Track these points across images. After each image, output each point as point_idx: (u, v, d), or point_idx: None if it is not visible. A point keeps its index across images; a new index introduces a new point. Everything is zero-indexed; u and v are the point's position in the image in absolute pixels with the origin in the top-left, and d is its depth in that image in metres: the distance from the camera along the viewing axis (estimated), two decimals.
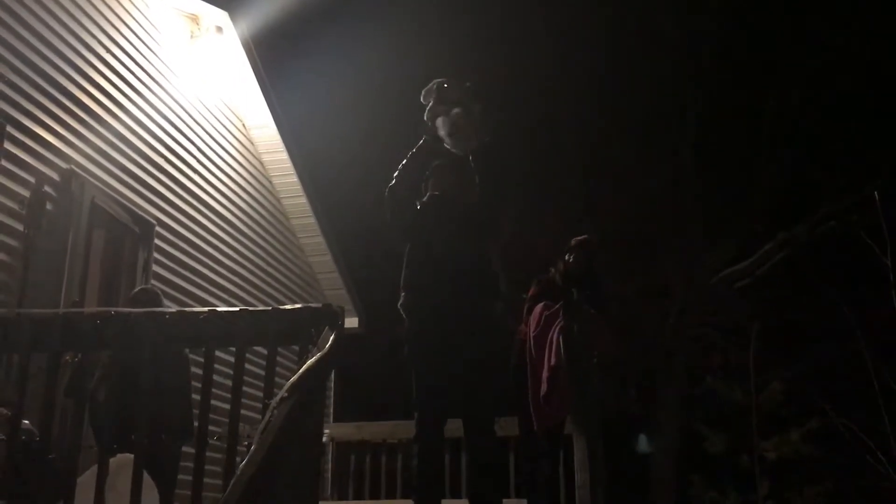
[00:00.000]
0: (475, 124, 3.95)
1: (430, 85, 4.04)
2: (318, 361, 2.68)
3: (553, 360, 4.68)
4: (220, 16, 7.09)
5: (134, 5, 6.28)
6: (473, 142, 3.97)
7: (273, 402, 2.62)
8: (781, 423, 11.26)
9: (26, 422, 3.13)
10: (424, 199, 4.11)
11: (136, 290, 5.34)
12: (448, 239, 3.92)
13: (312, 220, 8.98)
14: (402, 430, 6.26)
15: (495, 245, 4.08)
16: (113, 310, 3.20)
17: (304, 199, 8.80)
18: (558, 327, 4.74)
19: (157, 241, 6.37)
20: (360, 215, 11.17)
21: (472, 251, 3.94)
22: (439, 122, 3.97)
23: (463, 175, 4.05)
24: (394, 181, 4.02)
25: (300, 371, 2.65)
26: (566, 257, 5.07)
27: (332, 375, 8.65)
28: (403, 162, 4.04)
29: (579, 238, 5.15)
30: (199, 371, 3.04)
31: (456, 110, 3.94)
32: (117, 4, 6.07)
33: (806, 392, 9.75)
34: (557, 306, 4.85)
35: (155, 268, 6.32)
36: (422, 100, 4.05)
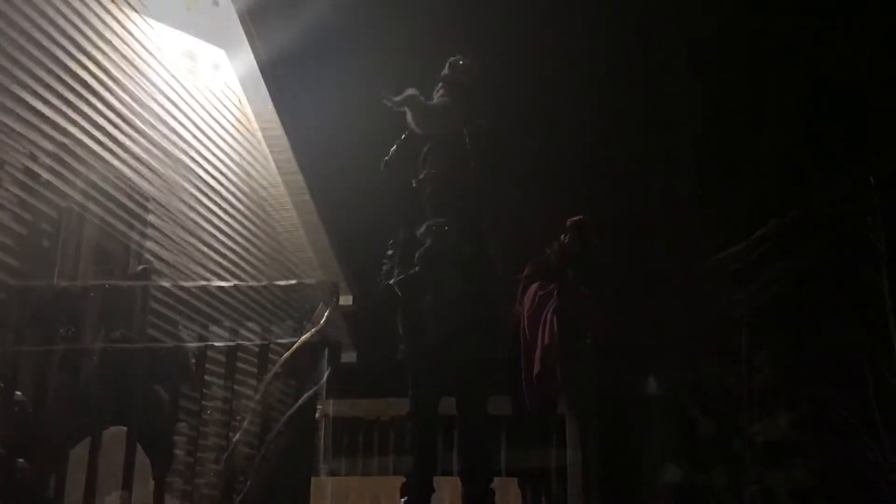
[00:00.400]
0: (435, 114, 3.97)
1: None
2: (312, 337, 2.69)
3: (546, 340, 4.69)
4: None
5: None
6: (434, 127, 3.99)
7: (267, 378, 2.63)
8: (772, 408, 11.34)
9: (18, 393, 3.13)
10: (421, 176, 4.07)
11: (140, 268, 5.33)
12: (444, 221, 3.90)
13: (307, 197, 8.96)
14: (396, 407, 6.27)
15: (493, 230, 4.06)
16: (107, 283, 3.19)
17: (300, 177, 8.76)
18: (552, 307, 4.75)
19: (151, 218, 6.35)
20: (359, 194, 11.13)
21: (468, 235, 3.91)
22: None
23: (459, 155, 4.01)
24: (389, 155, 4.02)
25: (294, 346, 2.65)
26: (561, 237, 5.08)
27: (326, 352, 8.65)
28: (402, 137, 4.03)
29: (574, 219, 5.15)
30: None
31: (410, 91, 3.98)
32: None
33: (797, 377, 9.80)
34: (552, 286, 4.85)
35: (149, 244, 6.30)
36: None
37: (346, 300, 9.52)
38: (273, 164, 8.63)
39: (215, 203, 7.38)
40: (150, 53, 6.45)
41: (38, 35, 5.21)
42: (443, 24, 12.56)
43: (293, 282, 2.98)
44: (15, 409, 3.14)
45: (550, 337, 4.65)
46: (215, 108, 7.49)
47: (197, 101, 7.16)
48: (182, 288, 3.03)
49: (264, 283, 3.13)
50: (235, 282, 3.74)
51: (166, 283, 4.24)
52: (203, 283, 3.14)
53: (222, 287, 2.98)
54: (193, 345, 3.07)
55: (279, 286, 3.02)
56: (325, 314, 2.73)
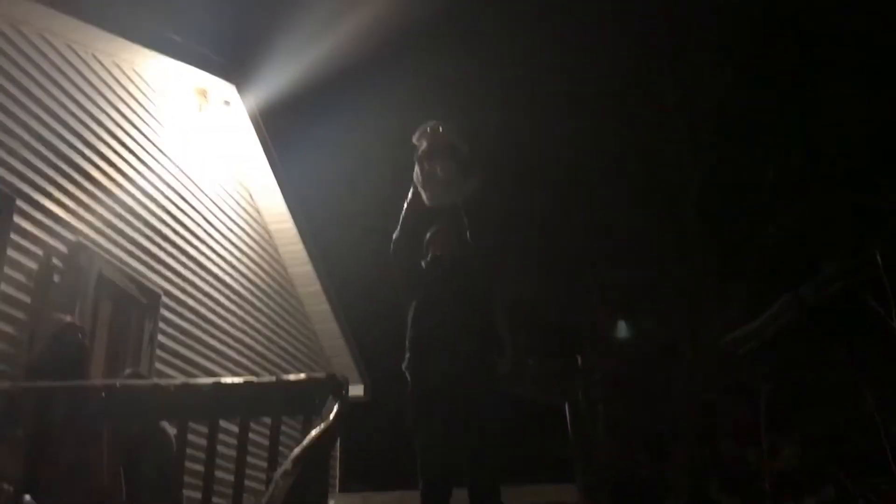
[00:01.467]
0: (444, 181, 3.96)
1: (421, 128, 4.05)
2: (322, 433, 2.67)
3: None
4: (228, 89, 7.24)
5: (142, 79, 6.42)
6: (442, 198, 3.98)
7: (277, 475, 2.60)
8: (796, 486, 11.05)
9: (28, 497, 3.10)
10: (427, 259, 4.12)
11: (127, 372, 5.29)
12: (451, 302, 3.92)
13: (318, 287, 9.02)
14: (408, 500, 6.16)
15: (500, 308, 4.07)
16: (118, 382, 3.20)
17: (310, 268, 8.85)
18: None
19: (163, 312, 6.40)
20: (366, 282, 11.19)
21: (475, 313, 3.93)
22: (415, 173, 4.00)
23: (461, 233, 4.06)
24: (397, 233, 4.05)
25: (304, 443, 2.63)
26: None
27: (338, 445, 8.56)
28: (402, 214, 4.06)
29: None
30: (203, 442, 3.02)
31: (426, 164, 3.96)
32: (125, 78, 6.21)
33: (817, 454, 9.58)
34: None
35: (161, 338, 6.33)
36: (414, 141, 4.06)
37: (357, 390, 9.49)
38: (283, 257, 8.74)
39: (225, 296, 7.44)
40: (161, 153, 6.61)
41: (47, 135, 5.36)
42: (447, 96, 12.75)
43: (302, 376, 2.98)
44: None
45: None
46: (226, 203, 7.63)
47: (208, 197, 7.29)
48: (191, 385, 3.04)
49: (274, 377, 3.13)
50: (246, 376, 3.74)
51: (176, 380, 4.24)
52: (213, 380, 3.14)
53: (232, 382, 2.98)
54: (198, 411, 3.04)
55: (288, 381, 3.01)
56: (335, 409, 2.71)
